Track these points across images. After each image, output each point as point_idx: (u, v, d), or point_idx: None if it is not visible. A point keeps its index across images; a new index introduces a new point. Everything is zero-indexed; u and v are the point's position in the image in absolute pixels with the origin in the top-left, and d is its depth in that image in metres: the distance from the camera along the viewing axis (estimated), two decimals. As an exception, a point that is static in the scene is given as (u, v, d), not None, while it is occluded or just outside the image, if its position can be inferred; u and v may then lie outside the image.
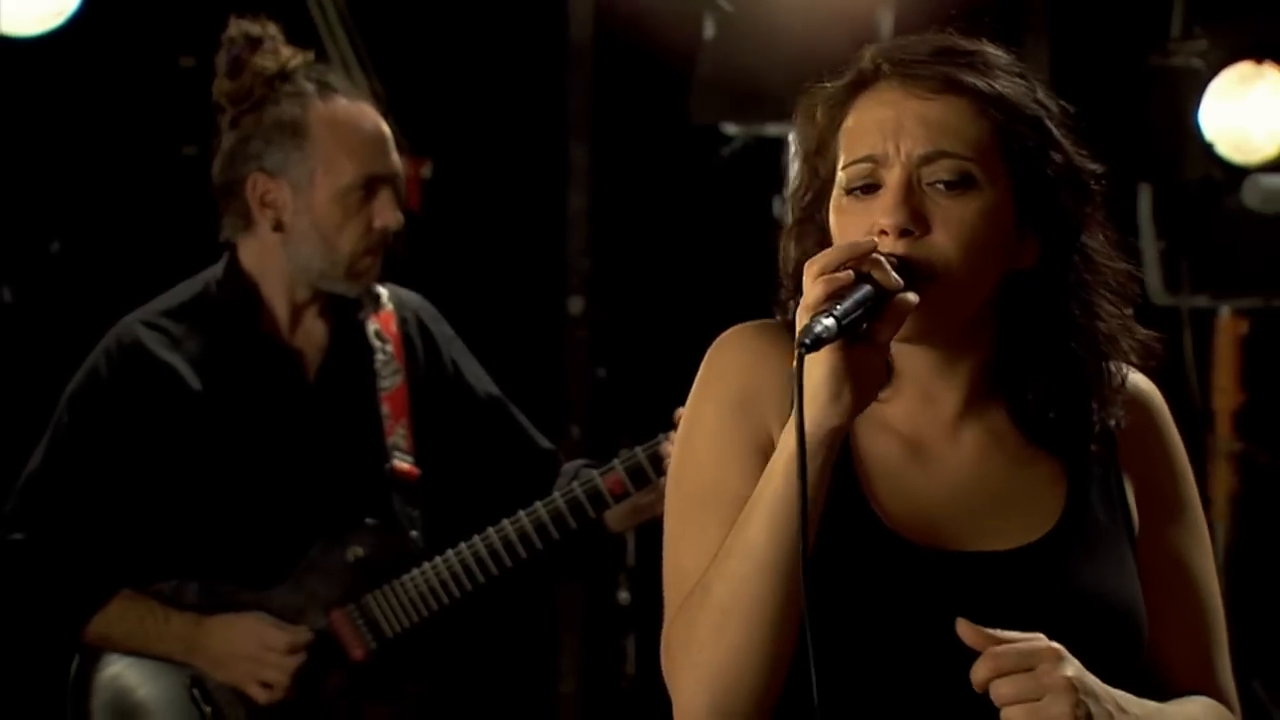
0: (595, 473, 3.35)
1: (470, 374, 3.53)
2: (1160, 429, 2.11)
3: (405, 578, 3.38)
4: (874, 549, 1.97)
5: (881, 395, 1.97)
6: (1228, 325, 4.86)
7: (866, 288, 1.86)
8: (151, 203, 4.90)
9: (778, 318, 2.06)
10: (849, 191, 1.97)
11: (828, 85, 2.04)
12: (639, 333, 5.24)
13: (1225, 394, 4.84)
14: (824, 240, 2.00)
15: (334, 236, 3.33)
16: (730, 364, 2.03)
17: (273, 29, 3.39)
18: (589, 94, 5.17)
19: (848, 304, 1.84)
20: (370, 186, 3.34)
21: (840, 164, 1.98)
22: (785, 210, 2.10)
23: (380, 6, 4.77)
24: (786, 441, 1.89)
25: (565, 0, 5.13)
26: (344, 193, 3.32)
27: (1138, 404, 2.09)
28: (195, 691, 3.35)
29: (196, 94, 4.82)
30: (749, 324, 2.07)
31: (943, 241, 1.94)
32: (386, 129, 3.40)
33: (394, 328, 3.47)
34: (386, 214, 3.35)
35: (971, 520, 1.99)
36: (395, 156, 3.39)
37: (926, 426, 2.03)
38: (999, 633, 1.87)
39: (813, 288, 1.85)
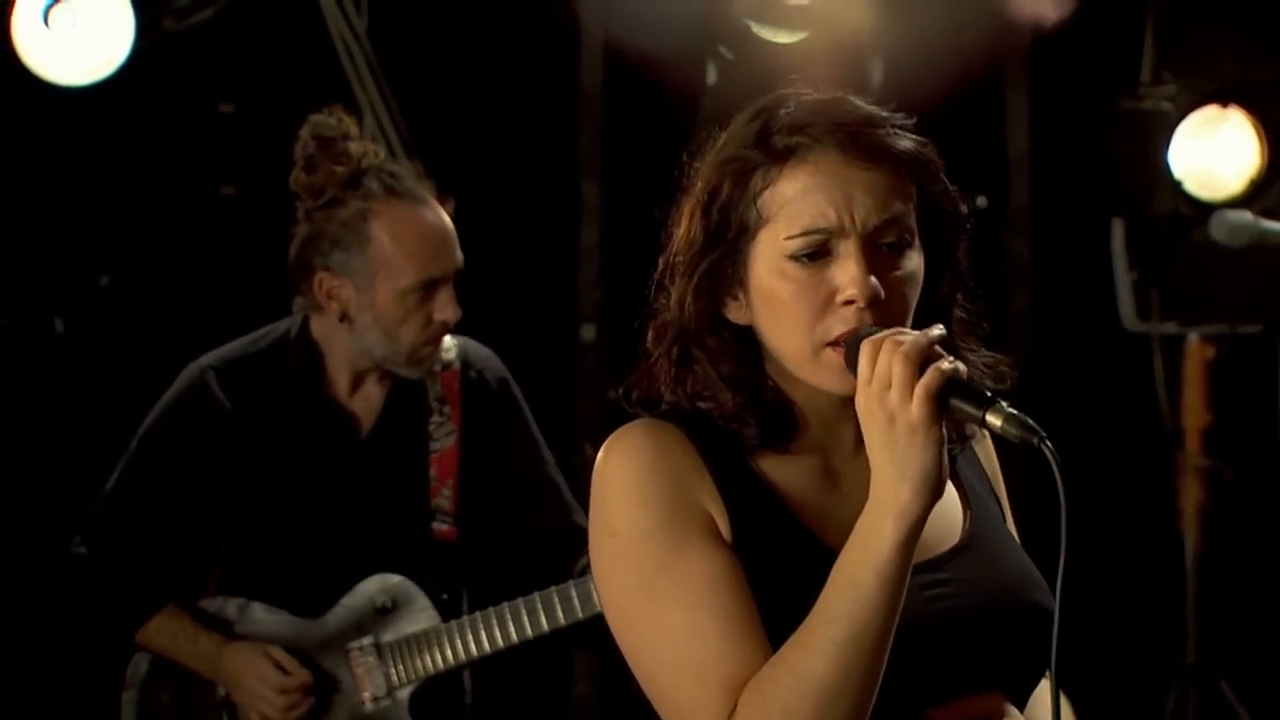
0: None
1: (518, 440, 3.48)
2: (993, 450, 2.15)
3: (420, 633, 3.37)
4: (825, 572, 1.93)
5: (794, 438, 1.99)
6: (1196, 350, 4.86)
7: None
8: (194, 239, 4.92)
9: (635, 396, 2.04)
10: (795, 258, 1.94)
11: (729, 145, 2.00)
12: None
13: (1194, 414, 4.84)
14: (733, 294, 1.98)
15: (395, 330, 3.32)
16: (643, 465, 1.96)
17: (348, 123, 3.36)
18: (599, 135, 5.18)
19: (974, 386, 1.86)
20: (429, 286, 3.31)
21: (783, 232, 1.94)
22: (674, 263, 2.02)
23: (407, 56, 4.79)
24: (879, 525, 1.85)
25: (577, 48, 5.15)
26: (403, 294, 3.30)
27: None
28: (224, 706, 3.37)
29: (235, 137, 4.86)
30: (632, 427, 2.01)
31: (895, 303, 1.95)
32: (448, 226, 3.36)
33: (456, 387, 3.45)
34: (446, 310, 3.32)
35: None
36: (456, 254, 3.36)
37: (833, 455, 2.02)
38: None
39: (932, 374, 1.83)
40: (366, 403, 3.41)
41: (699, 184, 2.02)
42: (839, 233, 1.94)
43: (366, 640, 3.37)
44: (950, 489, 2.05)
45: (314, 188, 3.33)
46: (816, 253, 1.94)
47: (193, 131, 4.89)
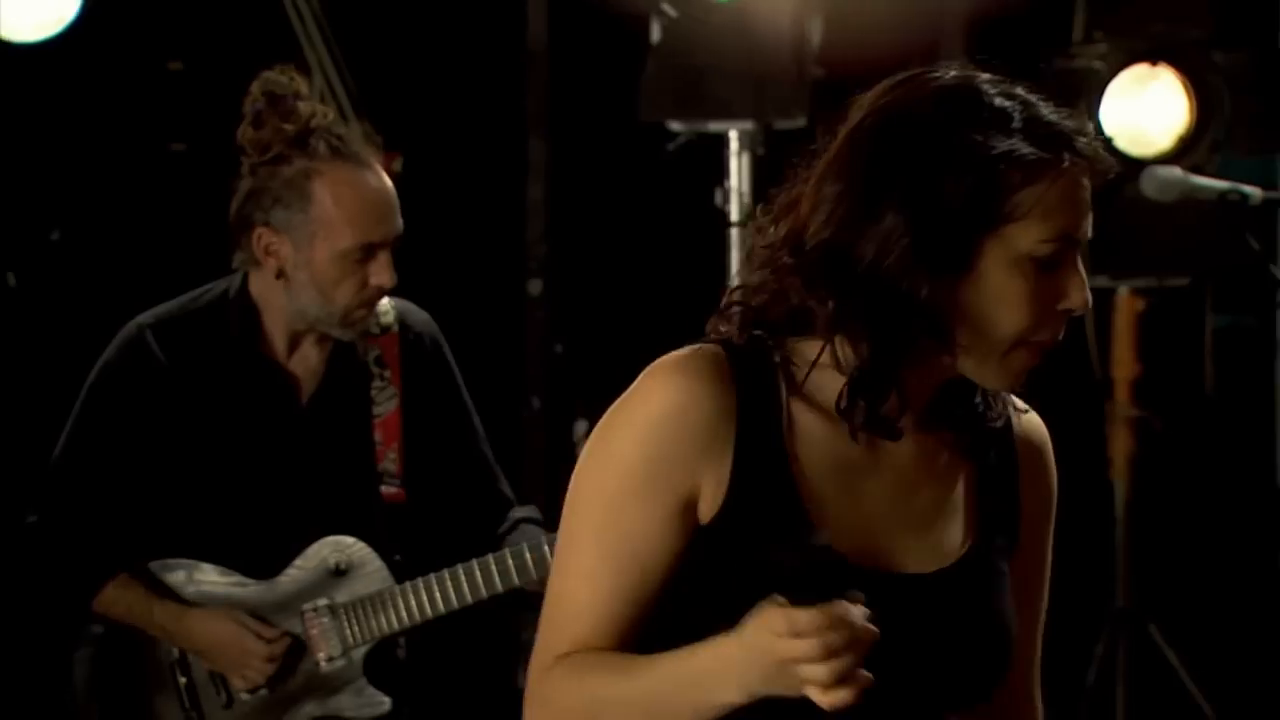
0: (543, 538, 3.26)
1: (449, 409, 3.45)
2: (1050, 469, 2.10)
3: (375, 594, 3.35)
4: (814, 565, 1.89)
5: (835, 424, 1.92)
6: (1126, 303, 4.90)
7: None
8: (143, 195, 4.89)
9: (722, 330, 1.92)
10: (1039, 261, 1.89)
11: (984, 119, 1.92)
12: (592, 312, 5.25)
13: (1124, 365, 4.88)
14: (926, 267, 1.86)
15: (330, 291, 3.26)
16: (669, 406, 1.87)
17: (299, 82, 3.32)
18: (546, 93, 5.17)
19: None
20: (368, 250, 3.26)
21: (1038, 234, 1.87)
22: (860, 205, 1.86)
23: (354, 14, 4.76)
24: (725, 682, 1.80)
25: (524, 6, 5.13)
26: (341, 255, 3.24)
27: (1035, 442, 2.09)
28: (178, 665, 3.36)
29: (184, 95, 4.83)
30: (686, 356, 1.89)
31: None
32: (391, 192, 3.31)
33: (395, 349, 3.40)
34: (383, 275, 3.27)
35: (898, 538, 1.93)
36: (396, 220, 3.30)
37: (873, 441, 1.93)
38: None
39: (842, 699, 1.75)
40: (305, 365, 3.38)
41: (953, 141, 1.89)
42: (1075, 242, 1.92)
43: (321, 602, 3.36)
44: (960, 506, 1.98)
45: (260, 143, 3.29)
46: (1056, 261, 1.90)
47: (142, 89, 4.86)
